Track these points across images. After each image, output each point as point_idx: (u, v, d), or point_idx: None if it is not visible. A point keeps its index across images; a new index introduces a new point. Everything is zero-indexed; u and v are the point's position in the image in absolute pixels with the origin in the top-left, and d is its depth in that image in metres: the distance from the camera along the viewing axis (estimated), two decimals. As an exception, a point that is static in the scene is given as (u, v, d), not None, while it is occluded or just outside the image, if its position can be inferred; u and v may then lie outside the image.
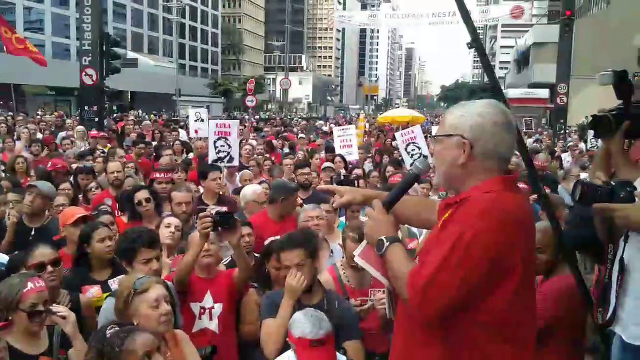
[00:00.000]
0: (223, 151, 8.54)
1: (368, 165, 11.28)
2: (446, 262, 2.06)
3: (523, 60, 66.19)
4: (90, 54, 17.31)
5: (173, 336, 3.25)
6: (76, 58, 39.25)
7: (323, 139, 17.47)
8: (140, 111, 47.67)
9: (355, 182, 7.53)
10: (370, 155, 13.25)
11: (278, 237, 4.45)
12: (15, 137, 12.35)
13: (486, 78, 3.59)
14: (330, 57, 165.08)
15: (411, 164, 7.01)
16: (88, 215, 4.99)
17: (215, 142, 8.62)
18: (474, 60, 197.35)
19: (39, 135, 13.65)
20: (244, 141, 12.24)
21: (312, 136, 20.79)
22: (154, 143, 13.24)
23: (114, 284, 4.05)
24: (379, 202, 2.42)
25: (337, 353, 3.18)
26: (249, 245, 4.81)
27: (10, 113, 22.50)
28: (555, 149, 16.17)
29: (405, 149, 10.16)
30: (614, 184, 2.74)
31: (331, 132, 14.01)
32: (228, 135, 8.66)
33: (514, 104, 32.73)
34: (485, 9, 38.81)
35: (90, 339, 2.90)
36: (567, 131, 22.54)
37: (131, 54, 45.23)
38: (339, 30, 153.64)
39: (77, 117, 21.43)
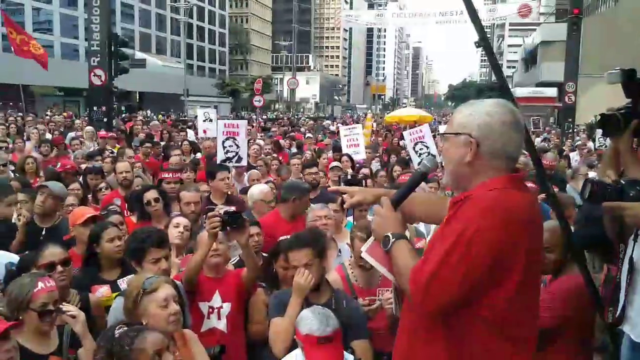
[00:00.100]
0: (232, 151, 8.57)
1: (375, 165, 11.26)
2: (448, 258, 2.08)
3: (531, 59, 65.97)
4: (98, 55, 17.40)
5: (182, 336, 3.26)
6: (85, 59, 39.45)
7: (330, 139, 17.47)
8: (148, 111, 47.88)
9: (363, 181, 7.53)
10: (377, 154, 13.24)
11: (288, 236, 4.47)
12: (25, 138, 12.43)
13: (494, 77, 3.58)
14: (337, 56, 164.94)
15: (419, 163, 7.00)
16: (97, 215, 5.01)
17: (223, 142, 8.65)
18: (482, 59, 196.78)
19: (48, 136, 13.72)
20: (251, 141, 12.26)
21: (319, 136, 20.79)
22: (162, 143, 13.28)
23: (123, 283, 4.06)
24: (387, 200, 2.45)
25: (345, 352, 3.18)
26: (258, 245, 4.83)
27: (20, 114, 22.63)
28: (564, 148, 16.11)
29: (414, 148, 10.16)
30: (623, 182, 2.73)
31: (338, 132, 14.00)
32: (236, 135, 8.69)
33: (522, 103, 32.61)
34: (493, 8, 38.61)
35: (98, 339, 2.92)
36: (575, 130, 22.43)
37: (139, 55, 45.44)
38: (346, 30, 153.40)
39: (86, 118, 21.51)
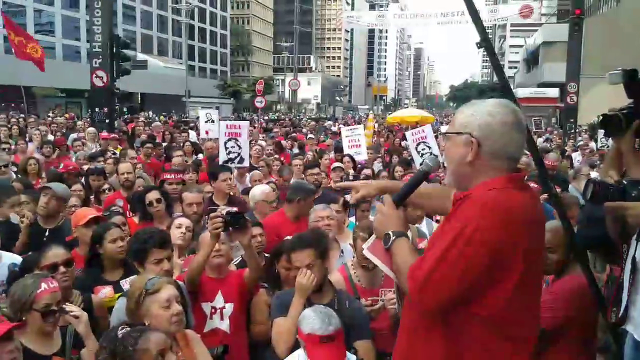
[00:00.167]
0: (233, 152, 8.59)
1: (377, 166, 11.27)
2: (446, 256, 2.09)
3: (532, 60, 65.91)
4: (100, 56, 17.43)
5: (184, 336, 3.27)
6: (87, 60, 39.50)
7: (332, 140, 17.48)
8: (150, 112, 47.90)
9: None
10: (379, 155, 13.24)
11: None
12: (27, 139, 12.44)
13: (495, 78, 3.60)
14: (338, 57, 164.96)
15: (421, 164, 7.00)
16: (100, 216, 5.01)
17: (225, 143, 8.67)
18: (483, 60, 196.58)
19: (51, 137, 13.73)
20: (253, 142, 12.26)
21: (321, 136, 20.80)
22: (164, 144, 13.29)
23: (125, 284, 4.06)
24: (389, 198, 2.47)
25: (348, 353, 3.19)
26: (260, 245, 4.84)
27: (22, 115, 22.65)
28: (566, 148, 16.10)
29: (416, 149, 10.17)
30: (625, 182, 2.73)
31: (340, 133, 14.02)
32: (238, 136, 8.71)
33: (524, 104, 32.58)
34: (494, 9, 38.67)
35: (101, 340, 2.93)
36: (577, 130, 22.40)
37: (141, 56, 45.60)
38: (348, 31, 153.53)
39: (88, 119, 21.52)
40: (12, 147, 11.10)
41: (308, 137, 18.13)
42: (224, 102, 76.20)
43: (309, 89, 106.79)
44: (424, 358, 2.27)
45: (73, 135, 14.12)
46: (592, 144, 15.67)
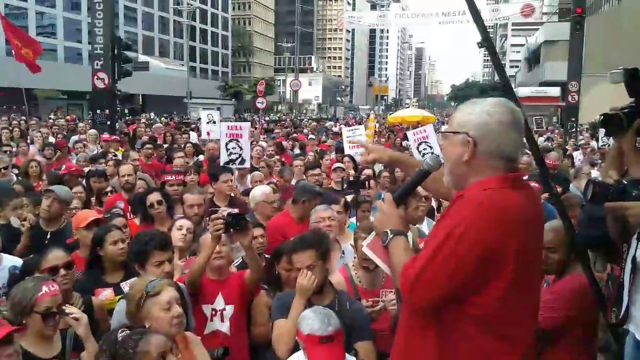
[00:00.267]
0: (235, 153, 8.59)
1: (378, 166, 11.25)
2: (437, 254, 2.10)
3: (534, 59, 65.87)
4: (102, 58, 17.41)
5: (184, 338, 3.26)
6: (88, 62, 39.57)
7: (333, 140, 17.47)
8: (151, 114, 47.88)
9: (366, 182, 7.52)
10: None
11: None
12: (28, 141, 12.46)
13: (497, 77, 3.59)
14: (340, 57, 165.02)
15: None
16: (101, 218, 5.01)
17: (227, 144, 8.67)
18: (485, 59, 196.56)
19: (52, 139, 13.75)
20: (254, 143, 12.26)
21: (322, 137, 20.80)
22: (166, 145, 13.29)
23: (126, 286, 4.06)
24: (390, 196, 2.49)
25: (348, 355, 3.18)
26: (261, 247, 4.83)
27: (24, 117, 22.68)
28: (567, 147, 16.08)
29: (417, 148, 10.16)
30: (625, 182, 2.72)
31: (341, 133, 14.01)
32: (240, 137, 8.71)
33: (525, 103, 32.60)
34: (496, 8, 38.54)
35: (101, 342, 2.93)
36: (578, 129, 22.39)
37: (142, 57, 45.69)
38: (349, 31, 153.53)
39: (89, 121, 21.54)
40: (14, 149, 11.11)
41: (309, 137, 18.13)
42: (225, 103, 76.17)
43: (310, 90, 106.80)
44: (419, 356, 2.28)
45: (74, 138, 14.15)
46: (594, 143, 15.66)
